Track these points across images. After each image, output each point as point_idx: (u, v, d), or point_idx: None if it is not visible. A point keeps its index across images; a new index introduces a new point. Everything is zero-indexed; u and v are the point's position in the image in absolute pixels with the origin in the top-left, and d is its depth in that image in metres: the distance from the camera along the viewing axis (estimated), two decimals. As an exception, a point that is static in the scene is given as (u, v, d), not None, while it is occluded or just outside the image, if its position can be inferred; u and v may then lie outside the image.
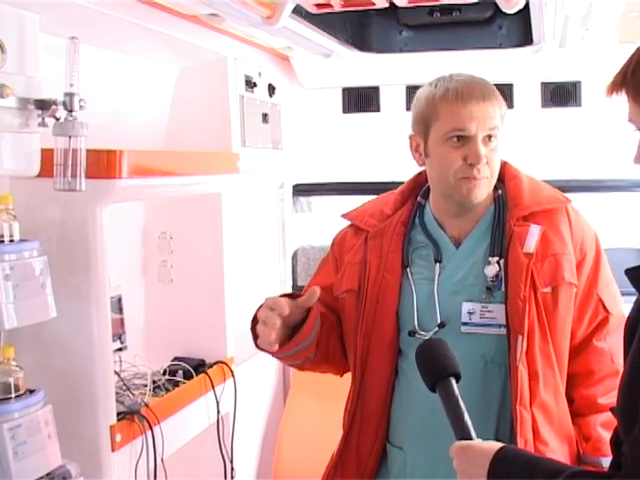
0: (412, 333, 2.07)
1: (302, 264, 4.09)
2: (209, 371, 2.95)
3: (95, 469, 2.27)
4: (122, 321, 2.77)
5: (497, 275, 2.04)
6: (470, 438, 1.59)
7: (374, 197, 2.32)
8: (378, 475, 2.14)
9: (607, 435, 1.80)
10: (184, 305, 3.11)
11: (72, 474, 2.02)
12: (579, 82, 3.77)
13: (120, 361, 2.71)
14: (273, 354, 2.04)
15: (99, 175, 2.20)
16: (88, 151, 2.07)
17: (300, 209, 4.16)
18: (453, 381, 1.66)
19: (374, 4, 2.65)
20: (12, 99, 1.97)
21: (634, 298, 1.48)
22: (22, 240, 1.97)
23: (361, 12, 3.27)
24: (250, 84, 3.38)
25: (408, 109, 2.19)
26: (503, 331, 2.01)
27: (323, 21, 3.11)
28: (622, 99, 1.42)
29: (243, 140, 3.29)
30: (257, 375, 3.52)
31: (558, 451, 2.02)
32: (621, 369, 1.50)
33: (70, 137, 2.03)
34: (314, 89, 4.01)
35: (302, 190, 4.08)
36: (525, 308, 1.98)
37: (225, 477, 3.03)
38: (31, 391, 1.96)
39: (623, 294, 2.09)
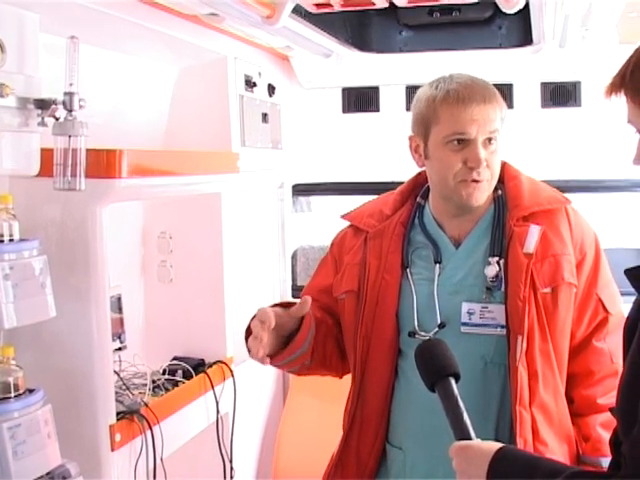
0: (412, 334, 2.07)
1: (302, 264, 4.09)
2: (208, 371, 2.95)
3: (94, 469, 2.27)
4: (122, 321, 2.77)
5: (497, 275, 2.04)
6: (469, 438, 1.59)
7: (374, 197, 2.32)
8: (378, 475, 2.14)
9: (606, 435, 1.80)
10: (184, 305, 3.11)
11: (71, 474, 2.02)
12: (579, 82, 3.77)
13: (120, 361, 2.72)
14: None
15: (99, 175, 2.20)
16: (88, 151, 2.07)
17: (300, 209, 4.16)
18: (452, 381, 1.66)
19: (374, 4, 2.65)
20: (12, 98, 1.97)
21: (633, 298, 1.48)
22: (22, 239, 1.97)
23: (361, 12, 3.27)
24: (250, 84, 3.38)
25: (408, 109, 2.19)
26: (503, 331, 2.01)
27: (323, 21, 3.10)
28: (621, 100, 1.42)
29: (243, 140, 3.29)
30: (257, 375, 3.52)
31: (558, 451, 2.02)
32: (620, 369, 1.50)
33: (70, 137, 2.03)
34: (314, 89, 4.01)
35: (302, 190, 4.08)
36: (525, 308, 1.98)
37: (224, 477, 3.03)
38: (30, 390, 1.96)
39: (622, 294, 2.09)
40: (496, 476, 1.50)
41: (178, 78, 3.20)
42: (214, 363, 3.01)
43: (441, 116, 2.03)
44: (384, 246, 2.15)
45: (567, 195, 2.16)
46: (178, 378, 2.87)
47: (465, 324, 2.04)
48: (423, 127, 2.08)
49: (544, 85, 3.83)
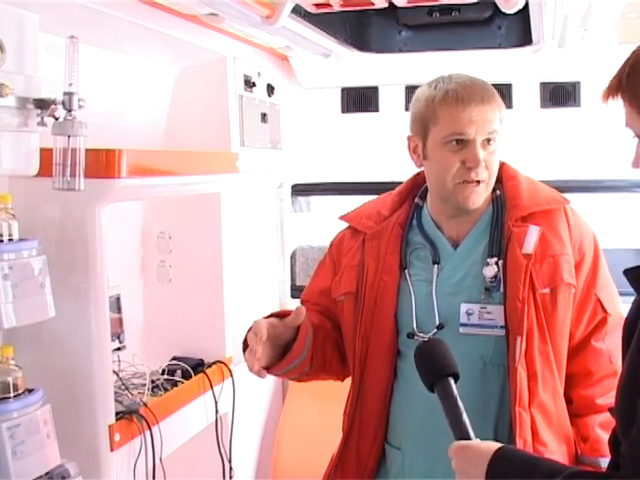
0: (411, 335, 2.07)
1: (301, 264, 4.09)
2: (208, 371, 2.95)
3: (94, 469, 2.27)
4: (121, 321, 2.77)
5: (495, 276, 2.03)
6: (469, 438, 1.59)
7: (373, 197, 2.32)
8: (377, 475, 2.14)
9: (605, 436, 1.80)
10: (183, 305, 3.11)
11: (71, 473, 2.02)
12: (578, 82, 3.77)
13: (119, 361, 2.72)
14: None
15: (98, 175, 2.20)
16: (87, 150, 2.07)
17: (299, 209, 4.16)
18: (452, 381, 1.66)
19: (373, 4, 2.65)
20: (11, 98, 1.97)
21: (632, 298, 1.48)
22: (21, 239, 1.97)
23: (360, 12, 3.27)
24: (249, 84, 3.38)
25: (407, 109, 2.18)
26: (502, 332, 2.01)
27: (322, 21, 3.10)
28: (619, 104, 1.42)
29: (242, 140, 3.29)
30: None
31: (557, 452, 2.02)
32: (619, 369, 1.50)
33: (69, 136, 2.03)
34: (313, 89, 4.01)
35: (301, 190, 4.08)
36: (524, 309, 1.98)
37: (224, 477, 3.03)
38: (30, 390, 1.96)
39: (621, 294, 2.09)
40: (495, 476, 1.50)
41: (177, 78, 3.20)
42: (213, 363, 3.01)
43: (440, 116, 2.03)
44: (382, 247, 2.15)
45: (566, 195, 2.16)
46: (177, 378, 2.87)
47: (464, 325, 2.03)
48: (422, 127, 2.08)
49: (543, 85, 3.83)
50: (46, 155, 2.08)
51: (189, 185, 2.78)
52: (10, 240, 1.94)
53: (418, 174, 2.24)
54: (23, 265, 1.93)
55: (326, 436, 2.35)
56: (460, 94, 2.01)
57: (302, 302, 2.31)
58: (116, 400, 2.41)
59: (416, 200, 2.22)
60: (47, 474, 1.96)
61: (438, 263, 2.10)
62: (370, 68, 3.77)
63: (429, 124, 2.05)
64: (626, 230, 3.81)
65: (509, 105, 3.77)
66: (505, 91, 3.75)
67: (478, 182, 2.03)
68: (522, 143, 3.67)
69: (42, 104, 2.05)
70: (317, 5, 2.67)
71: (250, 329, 1.97)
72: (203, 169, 2.85)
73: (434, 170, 2.09)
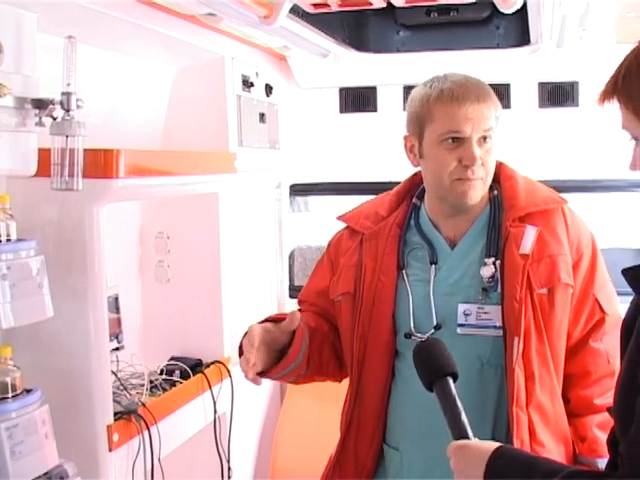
0: (408, 335, 2.07)
1: (299, 264, 4.09)
2: (206, 371, 2.95)
3: (92, 469, 2.27)
4: (119, 321, 2.77)
5: (493, 276, 2.03)
6: (467, 437, 1.59)
7: (371, 197, 2.32)
8: (376, 475, 2.14)
9: (603, 436, 1.81)
10: (181, 305, 3.11)
11: (69, 474, 2.02)
12: (576, 82, 3.77)
13: (117, 361, 2.72)
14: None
15: (96, 175, 2.20)
16: (85, 150, 2.07)
17: (297, 209, 4.15)
18: (450, 380, 1.66)
19: (371, 4, 2.65)
20: (9, 98, 1.96)
21: (630, 298, 1.48)
22: (19, 240, 1.97)
23: (358, 12, 3.27)
24: (247, 84, 3.38)
25: (405, 109, 2.18)
26: (499, 332, 2.01)
27: (320, 21, 3.10)
28: (615, 107, 1.42)
29: (240, 140, 3.29)
30: (254, 375, 3.52)
31: (554, 452, 2.02)
32: (617, 369, 1.49)
33: (67, 136, 2.03)
34: (311, 89, 4.01)
35: (299, 190, 4.08)
36: (521, 310, 1.98)
37: (222, 477, 3.03)
38: (28, 391, 1.96)
39: (619, 294, 2.09)
40: (493, 475, 1.50)
41: (176, 78, 3.20)
42: (211, 363, 3.01)
43: (435, 115, 2.03)
44: (380, 247, 2.15)
45: (564, 195, 2.16)
46: (175, 378, 2.87)
47: (461, 325, 2.03)
48: (418, 126, 2.08)
49: (542, 85, 3.83)
50: (44, 155, 2.07)
51: (187, 185, 2.78)
52: (8, 240, 1.93)
53: (416, 174, 2.24)
54: (21, 265, 1.93)
55: (324, 436, 2.35)
56: (455, 92, 2.01)
57: (299, 302, 2.32)
58: (114, 400, 2.41)
59: (414, 200, 2.22)
60: (45, 474, 1.95)
61: (436, 263, 2.10)
62: (368, 68, 3.77)
63: (425, 123, 2.05)
64: (624, 230, 3.81)
65: (507, 105, 3.77)
66: (503, 91, 3.75)
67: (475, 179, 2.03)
68: (520, 143, 3.68)
69: (40, 104, 2.05)
70: (315, 5, 2.67)
71: (245, 334, 1.98)
72: (201, 169, 2.85)
73: (431, 169, 2.09)
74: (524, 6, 2.61)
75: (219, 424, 2.99)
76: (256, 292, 3.74)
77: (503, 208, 2.10)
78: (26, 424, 1.90)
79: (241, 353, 2.00)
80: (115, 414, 2.37)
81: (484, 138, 2.03)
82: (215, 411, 2.96)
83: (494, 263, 2.04)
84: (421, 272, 2.11)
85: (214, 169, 2.94)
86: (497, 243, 2.06)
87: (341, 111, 4.04)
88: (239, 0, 2.48)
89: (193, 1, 2.48)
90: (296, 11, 2.80)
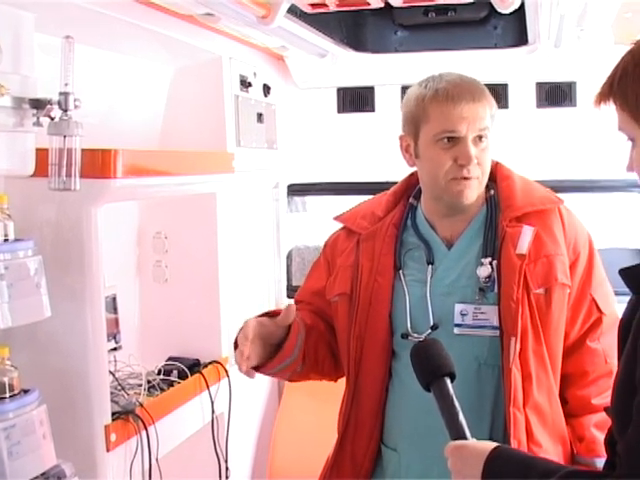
0: (405, 335, 2.07)
1: (297, 264, 4.09)
2: (204, 371, 2.95)
3: (90, 469, 2.26)
4: (117, 321, 2.77)
5: (490, 276, 2.03)
6: (465, 438, 1.59)
7: (369, 197, 2.32)
8: (374, 476, 2.14)
9: (601, 436, 1.80)
10: (179, 305, 3.11)
11: (67, 474, 2.02)
12: (574, 82, 3.77)
13: (115, 361, 2.72)
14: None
15: (94, 175, 2.20)
16: (83, 151, 2.07)
17: (295, 209, 4.15)
18: (448, 381, 1.65)
19: (369, 4, 2.65)
20: (7, 98, 1.96)
21: (628, 298, 1.48)
22: (17, 240, 1.97)
23: (356, 12, 3.27)
24: (245, 84, 3.38)
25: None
26: (496, 333, 2.01)
27: (318, 21, 3.10)
28: (611, 108, 1.42)
29: (238, 140, 3.29)
30: (252, 375, 3.52)
31: (552, 452, 2.02)
32: (615, 369, 1.50)
33: (65, 137, 2.03)
34: (309, 89, 4.00)
35: (297, 190, 4.08)
36: (518, 310, 1.98)
37: (220, 477, 3.03)
38: (25, 391, 1.96)
39: (617, 294, 2.09)
40: (491, 476, 1.50)
41: (173, 78, 3.20)
42: (209, 363, 3.01)
43: (431, 114, 2.03)
44: (376, 248, 2.15)
45: (562, 195, 2.16)
46: (173, 378, 2.87)
47: (458, 325, 2.03)
48: (413, 126, 2.08)
49: (539, 85, 3.83)
50: (42, 155, 2.07)
51: (185, 185, 2.78)
52: (6, 240, 1.94)
53: (412, 174, 2.24)
54: (19, 265, 1.93)
55: (322, 436, 2.35)
56: (450, 92, 2.01)
57: (296, 302, 2.32)
58: (112, 400, 2.41)
59: (410, 200, 2.22)
60: (43, 474, 1.95)
61: (432, 263, 2.10)
62: (366, 68, 3.78)
63: (420, 123, 2.05)
64: (622, 230, 3.81)
65: (505, 105, 3.77)
66: (501, 91, 3.76)
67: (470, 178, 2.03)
68: (518, 143, 3.68)
69: (38, 104, 2.05)
70: (313, 5, 2.67)
71: (241, 329, 1.98)
72: (199, 169, 2.85)
73: (426, 169, 2.09)
74: (522, 6, 2.61)
75: (217, 424, 2.99)
76: (254, 292, 3.74)
77: (500, 208, 2.10)
78: (23, 424, 1.90)
79: (236, 347, 2.00)
80: (113, 414, 2.37)
81: (479, 137, 2.03)
82: (213, 411, 2.96)
83: (491, 263, 2.04)
84: (418, 272, 2.11)
85: (212, 169, 2.94)
86: (494, 243, 2.06)
87: (339, 111, 4.04)
88: (237, 0, 2.48)
89: (191, 1, 2.48)
90: (294, 11, 2.81)
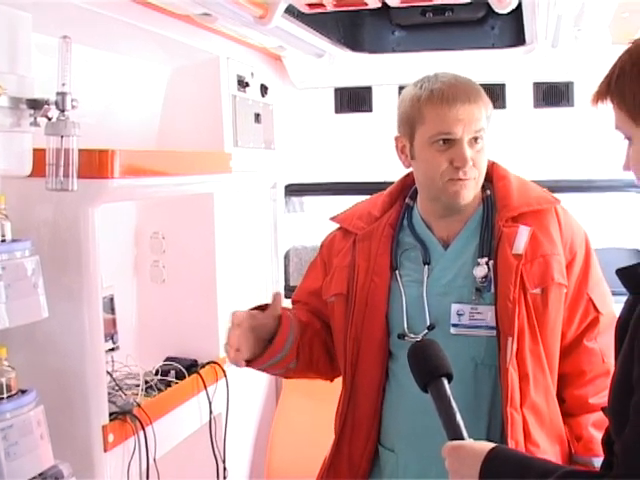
0: (402, 336, 2.06)
1: (294, 264, 4.09)
2: (201, 371, 2.95)
3: (87, 469, 2.26)
4: (114, 321, 2.77)
5: (486, 276, 2.03)
6: (462, 438, 1.59)
7: (367, 197, 2.32)
8: (371, 476, 2.13)
9: (598, 435, 1.80)
10: (176, 305, 3.11)
11: (64, 474, 2.01)
12: (571, 82, 3.77)
13: (112, 361, 2.71)
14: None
15: (91, 175, 2.19)
16: (80, 151, 2.07)
17: (292, 209, 4.16)
18: (445, 381, 1.65)
19: (366, 4, 2.65)
20: (4, 98, 1.96)
21: (625, 298, 1.48)
22: (14, 240, 1.96)
23: (353, 12, 3.27)
24: (242, 84, 3.38)
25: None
26: (493, 333, 2.01)
27: (315, 21, 3.11)
28: (609, 107, 1.42)
29: (235, 140, 3.29)
30: (249, 375, 3.49)
31: (549, 452, 2.02)
32: (612, 369, 1.50)
33: (62, 137, 2.03)
34: (306, 89, 4.00)
35: (294, 190, 4.08)
36: (515, 310, 1.98)
37: (217, 477, 3.03)
38: (23, 391, 1.95)
39: (614, 294, 2.09)
40: (488, 476, 1.50)
41: (171, 78, 3.20)
42: (207, 363, 3.01)
43: (426, 116, 2.02)
44: (373, 248, 2.14)
45: (559, 195, 2.16)
46: (171, 378, 2.87)
47: (455, 325, 2.03)
48: (408, 127, 2.08)
49: (537, 85, 3.83)
50: (39, 155, 2.07)
51: (182, 185, 2.78)
52: (3, 241, 1.93)
53: (408, 174, 2.23)
54: (16, 266, 1.93)
55: (320, 436, 2.35)
56: (445, 93, 2.01)
57: (293, 303, 2.33)
58: (110, 401, 2.41)
59: (406, 200, 2.21)
60: (40, 475, 1.95)
61: (429, 264, 2.09)
62: (363, 68, 3.78)
63: (416, 124, 2.05)
64: (619, 230, 3.82)
65: (502, 105, 3.78)
66: (498, 91, 3.76)
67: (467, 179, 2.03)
68: (515, 143, 3.68)
69: (35, 104, 2.04)
70: (310, 5, 2.67)
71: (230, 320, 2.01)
72: (196, 169, 2.85)
73: (422, 170, 2.09)
74: (519, 6, 2.62)
75: (214, 424, 2.99)
76: (251, 292, 3.73)
77: (496, 208, 2.10)
78: (21, 425, 1.90)
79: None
80: (110, 414, 2.37)
81: (475, 139, 2.02)
82: (210, 411, 2.96)
83: (487, 263, 2.04)
84: (414, 273, 2.11)
85: (209, 169, 2.94)
86: (490, 243, 2.06)
87: (336, 111, 4.04)
88: (234, 0, 2.48)
89: (188, 1, 2.48)
90: (291, 11, 2.81)
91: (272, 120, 3.73)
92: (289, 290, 3.96)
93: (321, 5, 2.65)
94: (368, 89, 4.00)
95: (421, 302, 2.06)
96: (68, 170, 2.02)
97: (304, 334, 2.14)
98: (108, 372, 2.53)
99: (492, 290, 2.02)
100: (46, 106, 2.04)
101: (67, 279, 2.24)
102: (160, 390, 2.78)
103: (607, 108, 1.45)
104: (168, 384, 2.84)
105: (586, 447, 2.08)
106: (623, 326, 1.44)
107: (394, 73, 3.80)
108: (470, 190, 2.04)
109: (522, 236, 2.03)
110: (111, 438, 2.33)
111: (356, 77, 3.93)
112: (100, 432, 2.30)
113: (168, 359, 2.97)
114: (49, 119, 2.04)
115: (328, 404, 2.28)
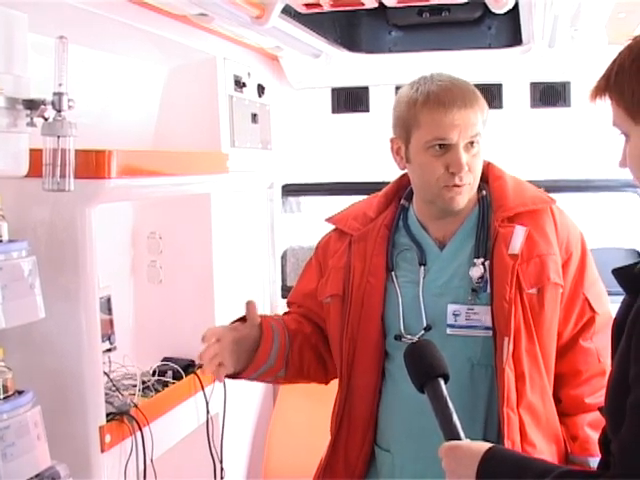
0: (398, 337, 2.06)
1: (291, 264, 4.09)
2: (198, 371, 2.94)
3: (84, 470, 2.26)
4: (111, 322, 2.77)
5: (482, 277, 2.03)
6: (459, 438, 1.59)
7: (363, 197, 2.31)
8: (367, 477, 2.13)
9: (595, 435, 1.81)
10: (173, 305, 3.11)
11: (61, 475, 2.01)
12: (568, 82, 3.78)
13: (109, 362, 2.71)
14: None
15: (88, 175, 2.19)
16: (77, 151, 2.07)
17: (289, 209, 4.15)
18: (442, 382, 1.65)
19: (363, 4, 2.65)
20: (0, 99, 1.96)
21: (621, 298, 1.49)
22: (11, 240, 1.96)
23: (350, 12, 3.27)
24: (239, 84, 3.38)
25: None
26: (489, 333, 2.01)
27: (312, 21, 3.10)
28: (607, 103, 1.42)
29: (232, 140, 3.29)
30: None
31: (546, 452, 2.02)
32: (608, 369, 1.50)
33: (59, 137, 2.02)
34: (303, 89, 4.00)
35: (291, 190, 4.08)
36: (511, 310, 1.98)
37: (215, 477, 3.03)
38: (20, 392, 1.95)
39: (610, 294, 2.09)
40: (485, 476, 1.50)
41: (167, 78, 3.20)
42: (204, 364, 3.01)
43: (422, 121, 2.01)
44: (368, 249, 2.14)
45: (556, 195, 2.16)
46: (168, 379, 2.87)
47: (451, 326, 2.03)
48: (404, 131, 2.07)
49: (533, 85, 3.84)
50: (36, 156, 2.07)
51: (179, 185, 2.78)
52: (0, 241, 1.93)
53: (404, 175, 2.23)
54: (13, 266, 1.92)
55: (317, 437, 2.35)
56: (442, 98, 1.99)
57: (288, 304, 2.33)
58: (107, 401, 2.41)
59: (402, 201, 2.21)
60: (37, 476, 1.95)
61: (425, 264, 2.09)
62: (360, 68, 3.77)
63: (411, 128, 2.04)
64: (616, 230, 3.82)
65: (499, 105, 3.78)
66: (495, 91, 3.76)
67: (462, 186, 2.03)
68: (512, 143, 3.68)
69: (31, 104, 2.04)
70: (307, 5, 2.67)
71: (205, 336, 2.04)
72: (193, 169, 2.85)
73: (418, 174, 2.09)
74: (516, 6, 2.62)
75: (212, 425, 2.99)
76: (248, 293, 3.73)
77: (492, 208, 2.10)
78: (18, 426, 1.89)
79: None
80: (107, 415, 2.37)
81: (471, 143, 2.01)
82: (208, 412, 2.96)
83: (483, 264, 2.03)
84: (410, 273, 2.10)
85: (206, 169, 2.94)
86: (486, 243, 2.06)
87: (333, 111, 4.04)
88: (231, 0, 2.48)
89: (185, 1, 2.48)
90: (288, 11, 2.80)
91: (269, 120, 3.73)
92: (286, 290, 3.97)
93: (318, 5, 2.65)
94: (365, 89, 4.00)
95: (417, 303, 2.06)
96: (65, 170, 2.02)
97: (293, 342, 2.16)
98: (105, 373, 2.53)
99: (488, 290, 2.02)
100: (42, 106, 2.03)
101: (64, 279, 2.24)
102: (157, 390, 2.78)
103: (604, 108, 1.45)
104: (165, 384, 2.84)
105: (582, 447, 2.08)
106: (619, 326, 1.44)
107: (391, 73, 3.80)
108: (465, 195, 2.04)
109: (518, 236, 2.03)
110: (108, 439, 2.33)
111: (353, 77, 3.93)
112: (97, 433, 2.29)
113: (165, 359, 2.97)
114: (46, 119, 2.04)
115: (325, 405, 2.28)
